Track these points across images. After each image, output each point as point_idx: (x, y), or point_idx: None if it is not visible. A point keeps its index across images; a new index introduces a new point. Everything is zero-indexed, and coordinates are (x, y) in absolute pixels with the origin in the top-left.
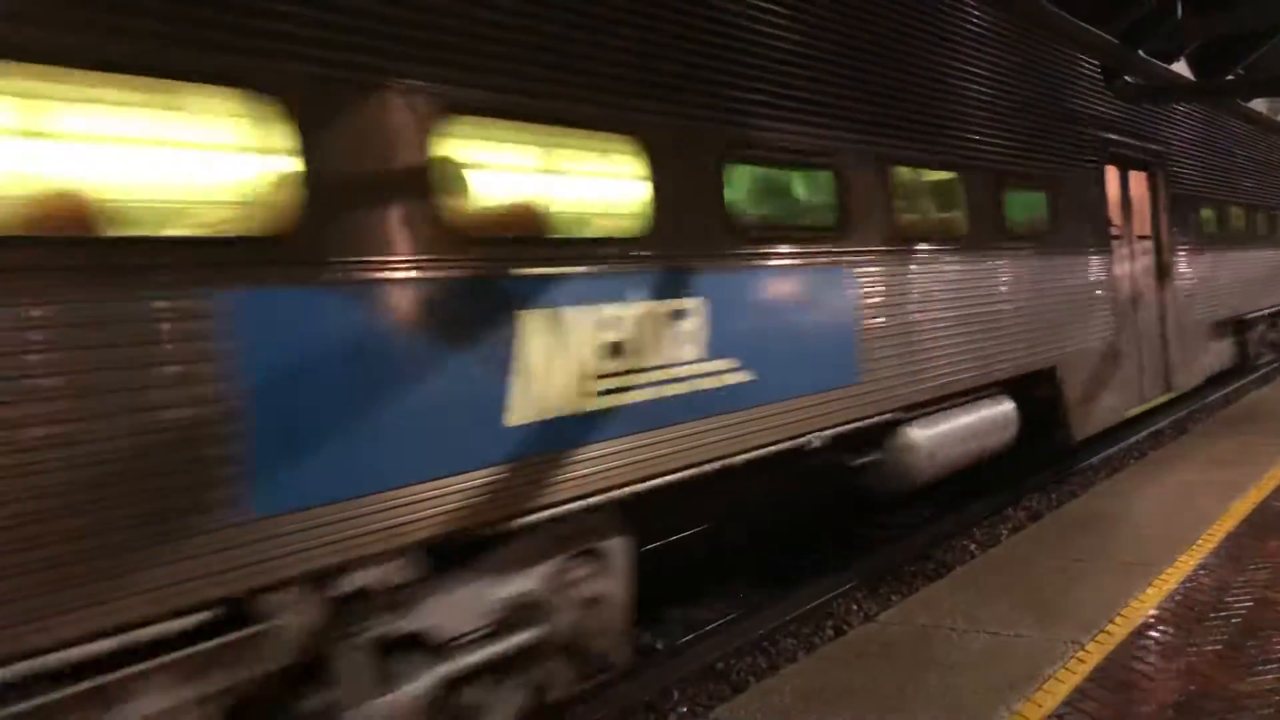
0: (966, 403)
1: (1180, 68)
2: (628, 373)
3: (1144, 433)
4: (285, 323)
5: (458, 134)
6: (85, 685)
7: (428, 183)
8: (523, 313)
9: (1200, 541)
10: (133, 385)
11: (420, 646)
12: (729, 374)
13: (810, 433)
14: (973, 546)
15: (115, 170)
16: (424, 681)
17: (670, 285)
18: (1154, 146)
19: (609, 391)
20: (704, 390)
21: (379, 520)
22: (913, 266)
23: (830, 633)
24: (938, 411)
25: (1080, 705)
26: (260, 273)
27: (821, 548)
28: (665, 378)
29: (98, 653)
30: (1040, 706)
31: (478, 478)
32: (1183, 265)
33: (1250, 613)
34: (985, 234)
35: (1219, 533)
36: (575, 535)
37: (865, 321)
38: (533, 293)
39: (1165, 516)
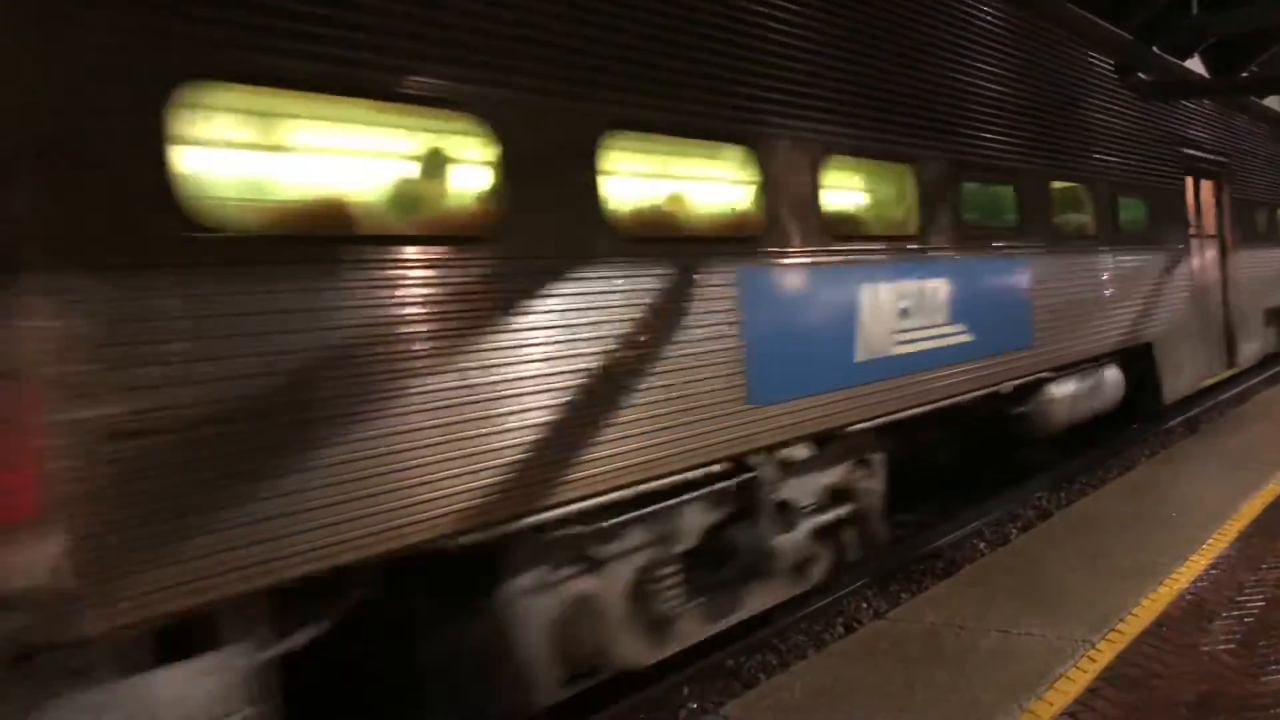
0: (1090, 368)
1: (1194, 64)
2: (908, 330)
3: (1154, 431)
4: (758, 286)
5: (831, 167)
6: (663, 504)
7: (817, 200)
8: (862, 284)
9: (1211, 540)
10: (717, 321)
11: (788, 508)
12: (959, 335)
13: (1002, 382)
14: (982, 545)
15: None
16: (803, 529)
17: (930, 269)
18: (1219, 158)
19: (900, 343)
20: (945, 345)
21: (802, 415)
22: (1062, 258)
23: (840, 630)
24: (1071, 374)
25: (1092, 704)
26: (751, 257)
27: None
28: (926, 335)
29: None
30: (1051, 705)
31: (840, 395)
32: (1241, 260)
33: (1263, 612)
34: (1106, 233)
35: (1230, 532)
36: (861, 446)
37: (1034, 300)
38: (866, 272)
39: (1176, 515)
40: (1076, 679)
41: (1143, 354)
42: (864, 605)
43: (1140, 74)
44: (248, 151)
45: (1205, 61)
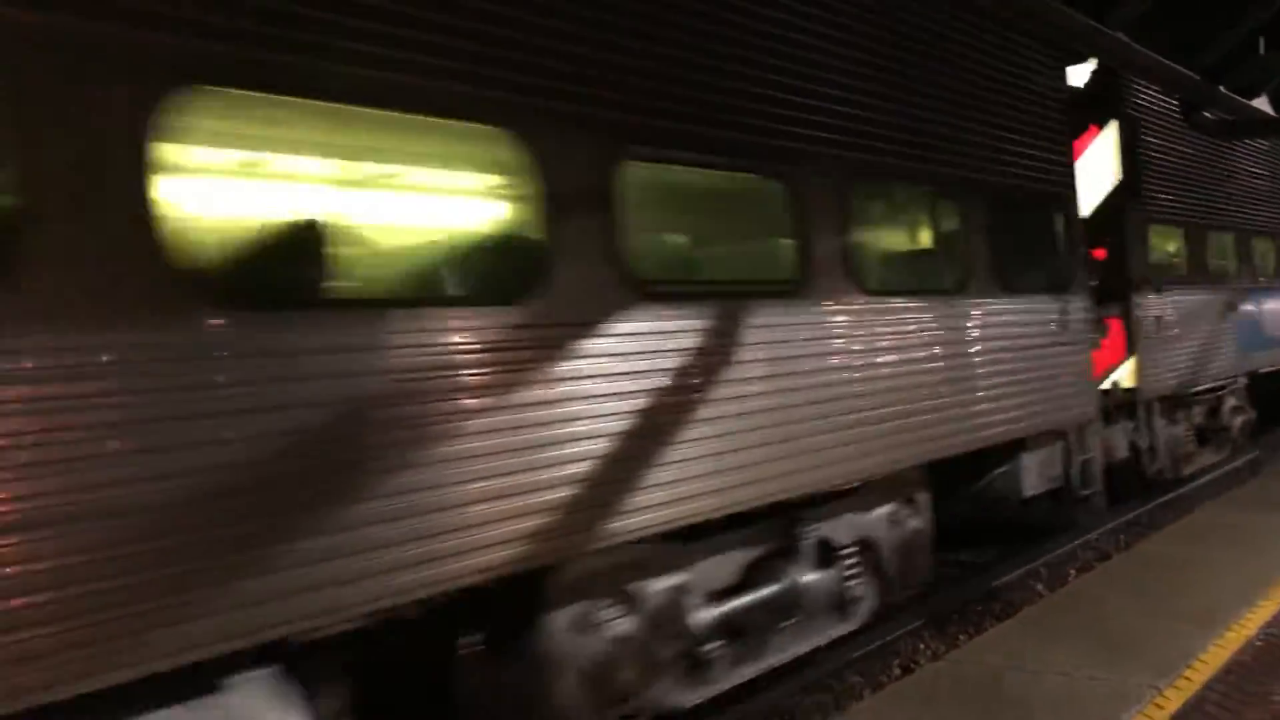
0: None
1: (1261, 103)
2: (1254, 328)
3: (1216, 473)
4: (1234, 300)
5: (1251, 242)
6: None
7: (1251, 256)
8: (1239, 306)
9: (1278, 586)
10: (1230, 311)
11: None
12: (1276, 329)
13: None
14: (1039, 586)
15: None
16: (1238, 420)
17: (1255, 296)
18: None
19: (1253, 335)
20: (1261, 336)
21: (1249, 360)
22: None
23: (897, 671)
24: None
25: None
26: (1229, 287)
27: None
28: (1259, 332)
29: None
30: None
31: (1251, 353)
32: None
33: None
34: None
35: None
36: (1245, 387)
37: None
38: (1255, 294)
39: (1240, 560)
40: None
41: None
42: (921, 646)
43: (1205, 113)
44: None
45: (1271, 99)
